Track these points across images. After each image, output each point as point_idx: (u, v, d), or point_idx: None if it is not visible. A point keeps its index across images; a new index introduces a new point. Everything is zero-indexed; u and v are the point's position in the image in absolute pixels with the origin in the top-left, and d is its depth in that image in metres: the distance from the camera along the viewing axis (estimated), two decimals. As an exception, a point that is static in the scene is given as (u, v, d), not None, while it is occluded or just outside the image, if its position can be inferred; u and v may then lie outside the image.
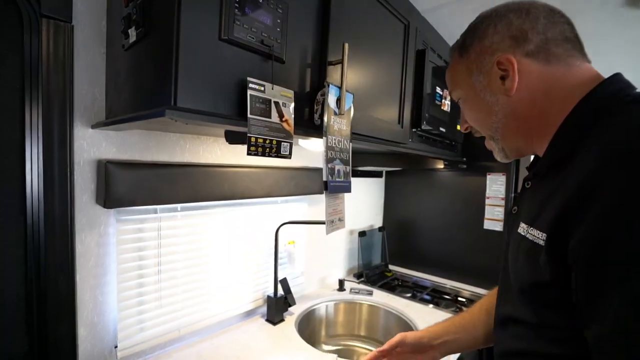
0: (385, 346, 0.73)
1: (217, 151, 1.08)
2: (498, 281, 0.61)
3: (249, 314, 1.23)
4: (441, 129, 1.30)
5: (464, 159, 1.66)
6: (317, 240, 1.54)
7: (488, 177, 1.63)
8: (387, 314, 1.38)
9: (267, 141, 0.61)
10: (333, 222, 0.74)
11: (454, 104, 1.38)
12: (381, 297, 1.45)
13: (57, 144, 0.76)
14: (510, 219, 0.58)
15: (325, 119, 0.71)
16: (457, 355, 1.07)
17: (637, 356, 0.33)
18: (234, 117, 0.58)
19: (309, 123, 0.73)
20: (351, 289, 1.52)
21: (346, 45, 0.72)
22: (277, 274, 1.22)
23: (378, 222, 2.02)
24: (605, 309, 0.36)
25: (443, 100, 1.30)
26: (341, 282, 1.53)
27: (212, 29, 0.56)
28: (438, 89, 1.26)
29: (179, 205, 0.99)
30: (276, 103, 0.63)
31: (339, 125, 0.74)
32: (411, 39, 1.09)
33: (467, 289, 1.64)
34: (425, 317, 1.28)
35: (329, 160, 0.70)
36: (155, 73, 0.57)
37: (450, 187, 1.78)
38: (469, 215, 1.70)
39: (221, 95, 0.57)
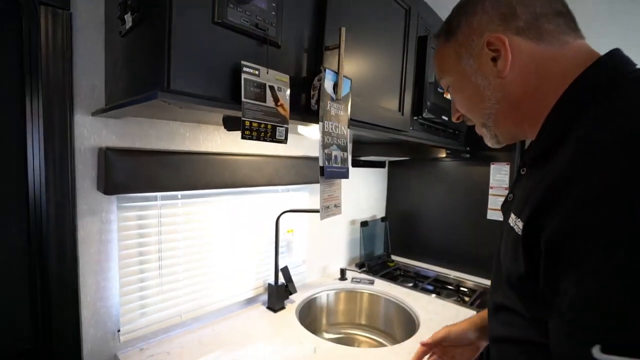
0: (429, 340, 0.73)
1: (217, 139, 1.09)
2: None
3: (250, 301, 1.25)
4: (443, 117, 1.28)
5: (467, 148, 1.64)
6: (319, 230, 1.54)
7: (492, 166, 1.61)
8: (388, 303, 1.38)
9: (262, 125, 0.61)
10: (328, 207, 0.74)
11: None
12: (382, 287, 1.45)
13: (58, 131, 0.77)
14: (505, 207, 0.56)
15: (322, 104, 0.70)
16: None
17: (582, 350, 0.32)
18: (229, 101, 0.58)
19: (306, 108, 0.73)
20: (353, 279, 1.53)
21: (343, 30, 0.71)
22: (278, 262, 1.23)
23: (380, 213, 2.01)
24: (560, 303, 0.35)
25: (445, 88, 1.29)
26: (343, 272, 1.53)
27: (206, 12, 0.56)
28: (440, 77, 1.24)
29: (179, 193, 1.00)
30: (271, 87, 0.62)
31: (336, 110, 0.74)
32: (412, 24, 1.08)
33: (470, 279, 1.63)
34: (427, 306, 1.28)
35: (325, 145, 0.70)
36: (149, 58, 0.57)
37: (454, 177, 1.76)
38: (472, 205, 1.69)
39: (215, 79, 0.57)
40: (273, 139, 0.63)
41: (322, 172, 0.70)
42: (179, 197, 1.00)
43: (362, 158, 1.71)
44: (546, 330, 0.40)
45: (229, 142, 1.12)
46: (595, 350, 0.30)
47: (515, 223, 0.45)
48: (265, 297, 1.27)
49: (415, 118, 1.17)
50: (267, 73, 0.62)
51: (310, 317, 1.33)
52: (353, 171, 1.72)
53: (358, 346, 1.35)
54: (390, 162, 2.00)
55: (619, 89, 0.40)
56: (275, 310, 1.19)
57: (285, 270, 1.25)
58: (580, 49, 0.46)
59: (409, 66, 1.10)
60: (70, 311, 0.83)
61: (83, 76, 0.80)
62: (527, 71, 0.47)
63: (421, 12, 1.13)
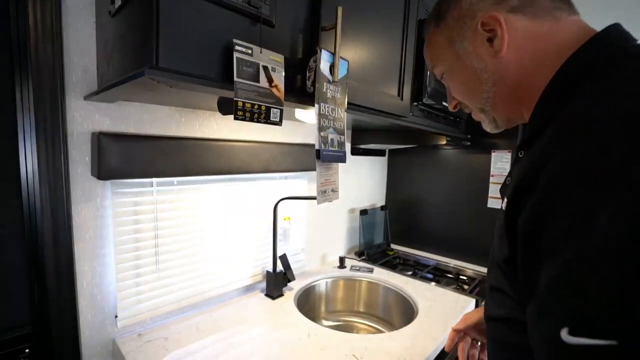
0: (461, 326, 0.73)
1: (213, 125, 1.07)
2: None
3: (248, 288, 1.25)
4: (444, 103, 1.26)
5: (468, 136, 1.62)
6: (318, 218, 1.54)
7: (493, 154, 1.60)
8: (387, 291, 1.38)
9: (256, 106, 0.59)
10: (325, 192, 0.73)
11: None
12: (382, 275, 1.45)
13: (50, 116, 0.76)
14: (502, 191, 0.54)
15: (318, 85, 0.68)
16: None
17: (550, 332, 0.32)
18: (221, 80, 0.56)
19: (302, 90, 0.71)
20: (352, 267, 1.53)
21: (340, 9, 0.69)
22: (276, 249, 1.22)
23: (380, 201, 2.00)
24: (533, 287, 0.35)
25: (446, 74, 1.26)
26: (342, 260, 1.53)
27: (196, -13, 0.54)
28: (441, 61, 1.22)
29: (175, 179, 0.99)
30: (265, 67, 0.61)
31: (333, 93, 0.72)
32: (412, 7, 1.05)
33: (470, 268, 1.63)
34: (426, 294, 1.28)
35: (321, 128, 0.69)
36: (139, 36, 0.56)
37: (454, 166, 1.75)
38: (473, 194, 1.68)
39: (207, 58, 0.55)
40: (267, 120, 0.61)
41: (319, 155, 0.69)
42: (175, 183, 0.99)
43: (362, 146, 1.69)
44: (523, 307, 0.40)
45: (225, 129, 1.10)
46: (564, 333, 0.30)
47: (502, 206, 0.44)
48: (263, 284, 1.27)
49: (415, 104, 1.15)
50: (261, 52, 0.60)
51: (308, 304, 1.33)
52: (353, 159, 1.71)
53: (357, 333, 1.36)
54: (390, 150, 1.98)
55: (618, 65, 0.38)
56: (273, 298, 1.19)
57: (284, 258, 1.24)
58: (575, 25, 0.44)
59: (409, 50, 1.07)
60: (66, 297, 0.83)
61: (74, 59, 0.79)
62: (522, 50, 0.46)
63: (422, -6, 1.10)
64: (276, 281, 1.20)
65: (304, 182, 1.40)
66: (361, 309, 1.45)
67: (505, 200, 0.43)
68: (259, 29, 0.62)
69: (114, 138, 0.83)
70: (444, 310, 1.15)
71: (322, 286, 1.41)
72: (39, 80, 0.74)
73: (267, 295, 1.22)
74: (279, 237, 1.30)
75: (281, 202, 1.28)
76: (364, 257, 1.68)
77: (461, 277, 1.59)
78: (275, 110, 0.63)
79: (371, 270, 1.49)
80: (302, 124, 1.36)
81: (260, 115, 0.60)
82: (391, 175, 2.01)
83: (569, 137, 0.35)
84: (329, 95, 0.71)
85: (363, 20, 0.88)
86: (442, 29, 0.53)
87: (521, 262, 0.38)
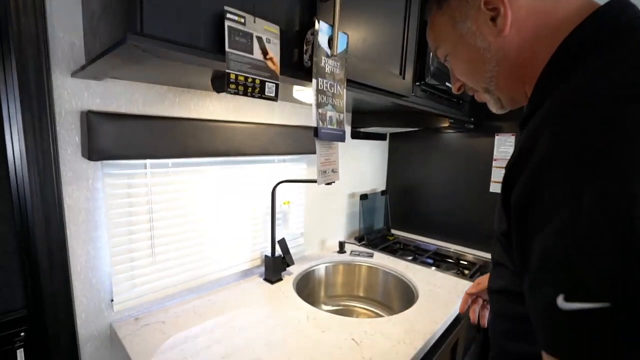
0: (474, 290, 0.79)
1: (208, 106, 1.04)
2: None
3: (247, 273, 1.24)
4: (447, 84, 1.22)
5: (472, 119, 1.58)
6: (317, 203, 1.52)
7: (496, 137, 1.56)
8: (387, 276, 1.37)
9: (250, 79, 0.56)
10: (325, 172, 0.70)
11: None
12: (382, 260, 1.44)
13: (35, 94, 0.72)
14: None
15: (316, 59, 0.65)
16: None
17: (546, 301, 0.33)
18: (211, 50, 0.53)
19: (299, 65, 0.67)
20: (351, 252, 1.52)
21: (339, -23, 0.65)
22: (275, 233, 1.20)
23: (381, 186, 1.98)
24: (526, 261, 0.37)
25: (450, 53, 1.21)
26: (341, 245, 1.51)
27: (184, -51, 0.50)
28: (445, 39, 1.17)
29: (170, 161, 0.96)
30: (259, 38, 0.57)
31: (332, 68, 0.69)
32: (416, -20, 1.00)
33: (470, 253, 1.62)
34: (426, 279, 1.26)
35: (319, 105, 0.65)
36: (124, 2, 0.52)
37: (456, 150, 1.71)
38: (475, 179, 1.65)
39: (196, 26, 0.51)
40: (262, 95, 0.58)
41: (317, 133, 0.66)
42: (170, 165, 0.96)
43: (363, 129, 1.65)
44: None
45: (221, 110, 1.07)
46: (560, 300, 0.32)
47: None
48: (262, 269, 1.26)
49: (417, 84, 1.11)
50: (254, 22, 0.56)
51: (308, 289, 1.32)
52: (353, 143, 1.68)
53: (356, 317, 1.35)
54: (391, 134, 1.95)
55: (622, 37, 0.37)
56: (272, 282, 1.18)
57: (282, 242, 1.22)
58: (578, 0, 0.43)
59: (412, 27, 1.02)
60: (60, 280, 0.81)
61: (59, 33, 0.75)
62: (525, 28, 0.45)
63: (426, -33, 1.04)
64: (275, 265, 1.19)
65: (303, 166, 1.37)
66: (361, 294, 1.44)
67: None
68: (252, -4, 0.58)
69: (105, 117, 0.80)
70: (444, 295, 1.14)
71: (321, 271, 1.40)
72: (22, 56, 0.70)
73: (265, 279, 1.20)
74: (278, 222, 1.28)
75: (280, 186, 1.25)
76: (364, 242, 1.67)
77: (461, 262, 1.58)
78: (270, 84, 0.59)
79: (371, 255, 1.48)
80: (302, 106, 1.32)
81: (255, 90, 0.57)
82: (392, 160, 1.97)
83: (569, 112, 0.35)
84: (327, 70, 0.67)
85: (364, -7, 0.83)
86: (444, 10, 0.53)
87: (515, 237, 0.39)
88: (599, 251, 0.30)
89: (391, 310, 1.34)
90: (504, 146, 1.54)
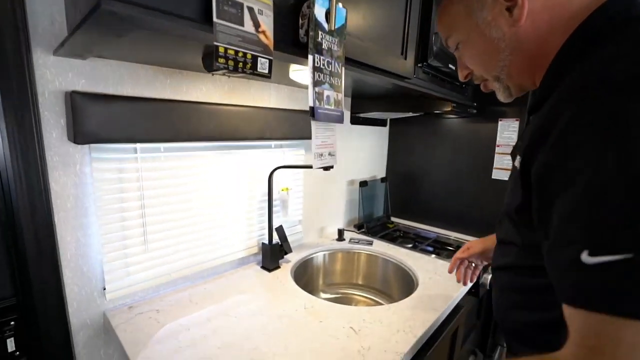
0: (465, 255, 0.90)
1: (202, 88, 0.99)
2: None
3: (244, 261, 1.21)
4: (451, 66, 1.17)
5: (475, 103, 1.53)
6: (316, 190, 1.48)
7: (500, 123, 1.52)
8: (387, 263, 1.35)
9: (240, 54, 0.52)
10: (322, 155, 0.67)
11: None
12: (381, 247, 1.41)
13: (15, 73, 0.68)
14: (514, 152, 0.60)
15: (312, 34, 0.60)
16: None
17: (571, 259, 0.35)
18: (197, 20, 0.48)
19: (294, 40, 0.63)
20: (351, 239, 1.49)
21: (337, -56, 0.60)
22: (272, 220, 1.17)
23: (381, 173, 1.95)
24: (548, 227, 0.39)
25: (454, 33, 1.16)
26: (340, 232, 1.49)
27: None
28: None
29: (161, 146, 0.92)
30: (250, 9, 0.53)
31: (329, 44, 0.64)
32: (419, -47, 0.94)
33: (471, 240, 1.59)
34: (426, 266, 1.24)
35: (316, 83, 0.61)
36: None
37: (458, 136, 1.67)
38: (477, 165, 1.61)
39: (181, -6, 0.47)
40: (254, 71, 0.54)
41: (313, 113, 0.62)
42: (162, 150, 0.93)
43: (362, 115, 1.61)
44: (536, 255, 0.45)
45: (216, 92, 1.03)
46: (584, 256, 0.34)
47: (517, 161, 0.48)
48: (259, 257, 1.23)
49: (419, 65, 1.07)
50: (245, -9, 0.52)
51: (306, 277, 1.30)
52: (352, 129, 1.63)
53: (355, 305, 1.34)
54: (391, 120, 1.90)
55: (633, 25, 0.40)
56: (269, 270, 1.16)
57: (280, 230, 1.20)
58: None
59: (414, 5, 0.97)
60: (49, 268, 0.79)
61: (38, 7, 0.70)
62: (539, 19, 0.47)
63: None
64: (272, 253, 1.16)
65: (301, 152, 1.33)
66: (360, 282, 1.42)
67: (519, 157, 0.46)
68: (243, -37, 0.53)
69: (91, 98, 0.76)
70: (444, 283, 1.12)
71: (320, 258, 1.38)
72: None
73: (263, 267, 1.18)
74: (276, 209, 1.25)
75: (278, 173, 1.22)
76: (363, 230, 1.64)
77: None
78: (263, 60, 0.55)
79: (370, 243, 1.45)
80: (300, 90, 1.27)
81: (246, 65, 0.53)
82: (392, 146, 1.93)
83: (589, 88, 0.37)
84: (324, 46, 0.63)
85: (364, -35, 0.78)
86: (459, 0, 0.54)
87: (537, 208, 0.42)
88: (621, 207, 0.32)
89: (391, 298, 1.32)
90: (507, 131, 1.50)
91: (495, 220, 0.63)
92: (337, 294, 1.38)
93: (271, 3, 0.56)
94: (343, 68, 0.69)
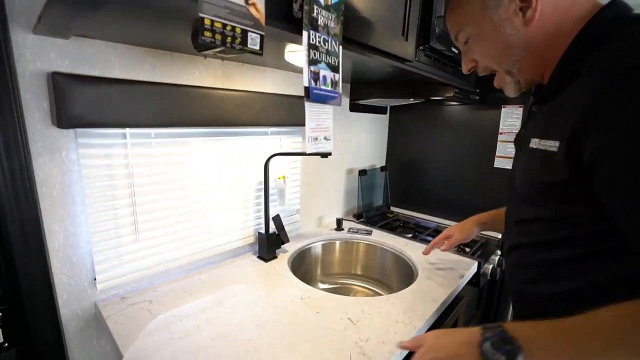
0: (447, 248, 1.03)
1: (194, 72, 0.95)
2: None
3: (240, 250, 1.19)
4: (453, 49, 1.13)
5: (477, 90, 1.49)
6: (314, 178, 1.45)
7: (503, 110, 1.48)
8: (386, 253, 1.32)
9: (229, 27, 0.48)
10: (317, 139, 0.63)
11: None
12: (380, 237, 1.39)
13: (-8, 51, 0.64)
14: (520, 139, 0.65)
15: (307, 8, 0.56)
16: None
17: None
18: (181, -11, 0.45)
19: (288, 15, 0.59)
20: (349, 229, 1.47)
21: None
22: (268, 209, 1.14)
23: (380, 162, 1.91)
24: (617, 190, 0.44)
25: (457, 14, 1.12)
26: (339, 222, 1.46)
27: None
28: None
29: (152, 131, 0.89)
30: (239, -22, 0.48)
31: (326, 20, 0.60)
32: None
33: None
34: (425, 256, 1.21)
35: (311, 61, 0.57)
36: None
37: (460, 123, 1.63)
38: (478, 153, 1.58)
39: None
40: (244, 46, 0.50)
41: (308, 93, 0.58)
42: (152, 135, 0.89)
43: (362, 102, 1.57)
44: (568, 226, 0.52)
45: (209, 77, 0.99)
46: None
47: (540, 144, 0.53)
48: (256, 246, 1.21)
49: (421, 48, 1.02)
50: (233, -42, 0.48)
51: (304, 267, 1.28)
52: (351, 116, 1.59)
53: (354, 295, 1.32)
54: (392, 107, 1.86)
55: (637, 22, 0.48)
56: (266, 260, 1.14)
57: (277, 219, 1.17)
58: (588, 2, 0.51)
59: (416, -18, 0.93)
60: (36, 258, 0.76)
61: (15, -20, 0.65)
62: (549, 21, 0.53)
63: None
64: (269, 243, 1.14)
65: (298, 139, 1.30)
66: (359, 272, 1.40)
67: (537, 140, 0.54)
68: None
69: (75, 80, 0.72)
70: (444, 273, 1.10)
71: (318, 248, 1.35)
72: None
73: (259, 257, 1.16)
74: (272, 197, 1.22)
75: (275, 161, 1.19)
76: (362, 220, 1.62)
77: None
78: (253, 35, 0.51)
79: (370, 233, 1.43)
80: (297, 75, 1.23)
81: (235, 40, 0.49)
82: (392, 134, 1.90)
83: (617, 78, 0.43)
84: (320, 22, 0.59)
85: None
86: None
87: (603, 182, 0.45)
88: None
89: (390, 288, 1.30)
90: (511, 119, 1.46)
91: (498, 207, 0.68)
92: (336, 284, 1.36)
93: (262, -27, 0.52)
94: (340, 47, 0.65)
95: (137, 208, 0.89)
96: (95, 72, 0.78)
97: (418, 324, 0.81)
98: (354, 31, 0.74)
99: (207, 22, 0.45)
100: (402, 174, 1.87)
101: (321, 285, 1.33)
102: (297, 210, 1.38)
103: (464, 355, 0.51)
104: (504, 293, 1.60)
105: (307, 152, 0.63)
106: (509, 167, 1.49)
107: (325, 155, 0.98)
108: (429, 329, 0.88)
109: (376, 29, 0.82)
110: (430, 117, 1.73)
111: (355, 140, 1.67)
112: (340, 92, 0.66)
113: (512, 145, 1.47)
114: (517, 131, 1.46)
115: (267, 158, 1.11)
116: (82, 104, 0.73)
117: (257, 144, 1.15)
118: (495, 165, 1.53)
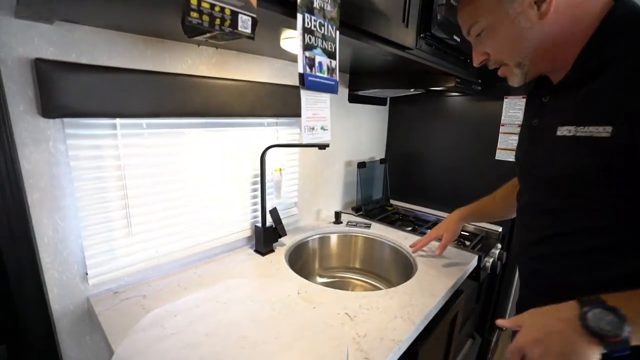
0: (439, 252, 1.09)
1: (186, 60, 0.92)
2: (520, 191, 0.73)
3: (236, 244, 1.17)
4: (455, 37, 1.09)
5: (479, 80, 1.46)
6: (312, 171, 1.43)
7: (505, 100, 1.44)
8: (384, 246, 1.31)
9: (217, 8, 0.45)
10: (313, 129, 0.60)
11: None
12: (379, 230, 1.37)
13: (-28, 36, 0.61)
14: (532, 131, 0.66)
15: (302, -10, 0.53)
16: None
17: None
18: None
19: (281, -2, 0.56)
20: (348, 222, 1.45)
21: None
22: (265, 202, 1.12)
23: (380, 154, 1.88)
24: None
25: (460, 1, 1.08)
26: (337, 215, 1.44)
27: None
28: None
29: (144, 122, 0.86)
30: (228, -45, 0.45)
31: (322, 2, 0.57)
32: None
33: (472, 223, 1.54)
34: (425, 250, 1.20)
35: (306, 47, 0.54)
36: None
37: (461, 115, 1.60)
38: (480, 146, 1.55)
39: None
40: (234, 29, 0.47)
41: (303, 81, 0.55)
42: (144, 126, 0.86)
43: (361, 92, 1.53)
44: (608, 214, 0.53)
45: (202, 65, 0.95)
46: None
47: (578, 130, 0.54)
48: (253, 240, 1.19)
49: (422, 35, 0.99)
50: None
51: (301, 260, 1.26)
52: (350, 107, 1.56)
53: (352, 289, 1.30)
54: (391, 98, 1.82)
55: None
56: (263, 254, 1.12)
57: (274, 212, 1.15)
58: None
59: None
60: (24, 252, 0.73)
61: (-5, -39, 0.62)
62: (563, 15, 0.54)
63: None
64: (265, 236, 1.11)
65: (295, 131, 1.27)
66: (357, 266, 1.38)
67: (570, 127, 0.55)
68: None
69: (61, 67, 0.69)
70: (444, 267, 1.08)
71: (316, 242, 1.33)
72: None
73: (256, 251, 1.14)
74: (269, 190, 1.20)
75: (272, 153, 1.16)
76: (361, 213, 1.60)
77: (462, 232, 1.51)
78: (244, 17, 0.48)
79: (368, 226, 1.41)
80: (294, 64, 1.19)
81: (224, 22, 0.46)
82: (392, 126, 1.86)
83: None
84: (316, 4, 0.56)
85: None
86: None
87: None
88: None
89: (389, 282, 1.29)
90: (513, 110, 1.43)
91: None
92: (334, 277, 1.35)
93: (253, -49, 0.48)
94: (337, 32, 0.62)
95: (130, 201, 0.87)
96: (83, 59, 0.75)
97: (417, 320, 0.80)
98: (351, 16, 0.71)
99: (193, 1, 0.42)
100: (401, 166, 1.85)
101: (319, 279, 1.32)
102: (295, 203, 1.36)
103: (563, 331, 0.49)
104: (504, 286, 1.59)
105: (303, 142, 0.60)
106: (511, 159, 1.47)
107: (322, 146, 0.95)
108: (429, 326, 0.86)
109: (375, 14, 0.78)
110: (431, 108, 1.69)
111: (355, 132, 1.64)
112: (337, 79, 0.63)
113: (514, 137, 1.44)
114: (525, 123, 1.43)
115: (263, 150, 1.08)
116: (69, 92, 0.70)
117: (253, 135, 1.12)
118: (496, 158, 1.50)
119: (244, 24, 0.48)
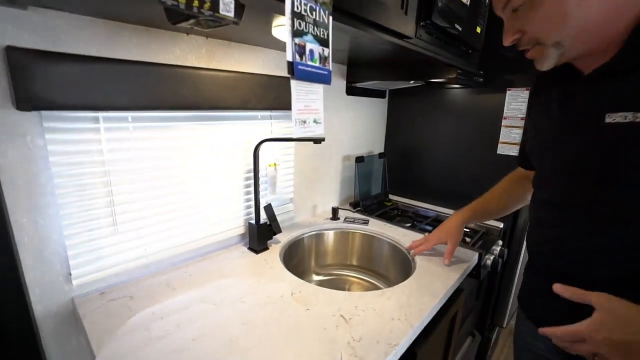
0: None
1: (175, 50, 0.87)
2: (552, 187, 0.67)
3: (230, 242, 1.13)
4: (457, 26, 1.04)
5: (481, 72, 1.41)
6: (308, 165, 1.39)
7: (508, 93, 1.40)
8: (382, 243, 1.27)
9: (194, -12, 0.40)
10: (305, 122, 0.56)
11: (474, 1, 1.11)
12: (378, 227, 1.33)
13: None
14: (558, 120, 0.64)
15: (291, -30, 0.49)
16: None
17: None
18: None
19: (268, -21, 0.51)
20: (345, 218, 1.41)
21: None
22: (258, 199, 1.08)
23: (379, 148, 1.84)
24: None
25: (462, -12, 1.03)
26: (335, 211, 1.40)
27: None
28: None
29: (129, 115, 0.81)
30: None
31: (313, -16, 0.52)
32: None
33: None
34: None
35: (295, 32, 0.50)
36: None
37: (462, 108, 1.55)
38: (481, 140, 1.51)
39: None
40: (215, 12, 0.43)
41: (292, 70, 0.51)
42: (130, 120, 0.82)
43: (359, 85, 1.48)
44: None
45: (191, 55, 0.91)
46: None
47: (638, 116, 0.50)
48: (247, 237, 1.15)
49: (422, 24, 0.94)
50: None
51: (297, 258, 1.23)
52: (348, 100, 1.51)
53: (349, 287, 1.27)
54: (391, 91, 1.78)
55: None
56: (257, 252, 1.08)
57: (269, 208, 1.11)
58: None
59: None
60: (2, 254, 0.70)
61: (-40, -60, 0.57)
62: (605, 2, 0.51)
63: None
64: (259, 234, 1.08)
65: (291, 124, 1.22)
66: (355, 263, 1.35)
67: (635, 113, 0.50)
68: None
69: (35, 56, 0.64)
70: (443, 265, 1.04)
71: (312, 239, 1.30)
72: None
73: (249, 249, 1.10)
74: (264, 186, 1.16)
75: (265, 147, 1.12)
76: (359, 209, 1.56)
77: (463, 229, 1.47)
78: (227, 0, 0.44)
79: (366, 222, 1.37)
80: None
81: (204, 4, 0.41)
82: (391, 120, 1.82)
83: None
84: (307, -14, 0.51)
85: None
86: None
87: None
88: None
89: (387, 280, 1.26)
90: (516, 102, 1.39)
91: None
92: (330, 275, 1.31)
93: None
94: (330, 17, 0.57)
95: (115, 198, 0.83)
96: (61, 48, 0.70)
97: (415, 322, 0.76)
98: (346, 1, 0.66)
99: (167, -20, 0.38)
100: (401, 160, 1.81)
101: (315, 277, 1.29)
102: (291, 199, 1.32)
103: None
104: (505, 284, 1.56)
105: (294, 136, 0.56)
106: (514, 153, 1.43)
107: (318, 140, 0.91)
108: (427, 326, 0.83)
109: (371, 1, 0.74)
110: (431, 101, 1.65)
111: (353, 125, 1.59)
112: (331, 69, 0.59)
113: (517, 130, 1.40)
114: (523, 117, 1.38)
115: (256, 144, 1.04)
116: (44, 83, 0.65)
117: (246, 129, 1.07)
118: (498, 152, 1.46)
119: (226, 6, 0.44)
